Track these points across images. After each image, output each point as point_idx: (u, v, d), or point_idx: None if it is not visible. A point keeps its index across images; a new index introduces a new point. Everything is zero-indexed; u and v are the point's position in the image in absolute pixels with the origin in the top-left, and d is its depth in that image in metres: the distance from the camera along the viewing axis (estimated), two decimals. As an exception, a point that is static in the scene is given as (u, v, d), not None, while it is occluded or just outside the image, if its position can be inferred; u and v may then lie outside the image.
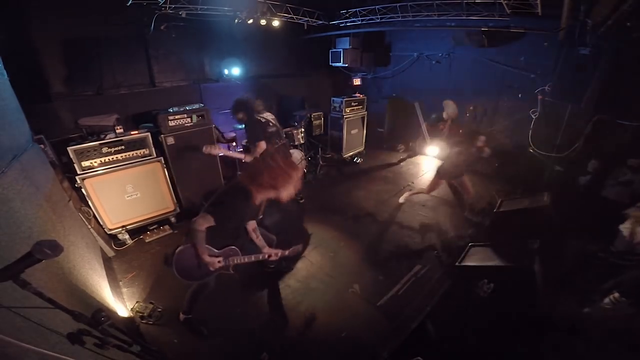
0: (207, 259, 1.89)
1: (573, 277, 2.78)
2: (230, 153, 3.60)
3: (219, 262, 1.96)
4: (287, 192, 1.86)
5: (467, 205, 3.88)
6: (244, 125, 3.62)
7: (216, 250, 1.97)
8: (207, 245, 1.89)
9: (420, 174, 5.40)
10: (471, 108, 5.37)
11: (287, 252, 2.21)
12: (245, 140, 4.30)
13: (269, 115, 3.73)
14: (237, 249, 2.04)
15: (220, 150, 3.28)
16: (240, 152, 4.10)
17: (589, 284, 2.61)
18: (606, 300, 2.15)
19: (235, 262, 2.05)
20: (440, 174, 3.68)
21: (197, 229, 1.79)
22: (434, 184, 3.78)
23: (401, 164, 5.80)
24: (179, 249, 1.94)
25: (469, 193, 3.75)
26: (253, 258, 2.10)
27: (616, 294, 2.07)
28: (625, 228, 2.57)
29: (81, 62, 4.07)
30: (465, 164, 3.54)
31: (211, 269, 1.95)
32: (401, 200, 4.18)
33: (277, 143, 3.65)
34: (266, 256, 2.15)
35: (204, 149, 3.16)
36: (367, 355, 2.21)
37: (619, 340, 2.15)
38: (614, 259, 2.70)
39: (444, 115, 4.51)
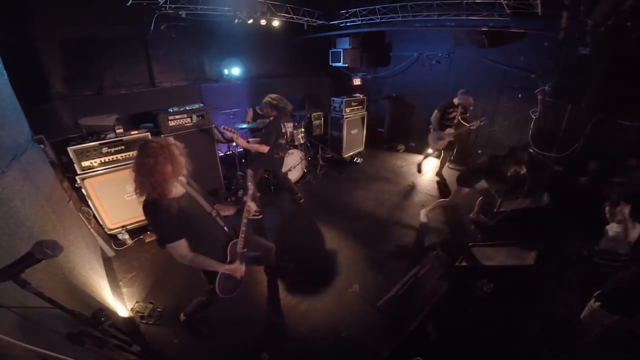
0: (230, 267, 1.85)
1: (566, 276, 2.77)
2: (242, 141, 3.65)
3: (239, 263, 1.91)
4: (167, 171, 1.48)
5: (480, 207, 3.78)
6: (266, 121, 3.80)
7: (228, 257, 1.89)
8: (216, 261, 1.81)
9: (420, 173, 5.39)
10: (471, 108, 5.37)
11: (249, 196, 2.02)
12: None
13: (289, 127, 3.79)
14: (234, 239, 1.94)
15: (234, 135, 3.40)
16: (255, 140, 4.11)
17: (580, 284, 2.59)
18: (586, 309, 2.09)
19: (242, 245, 1.94)
20: (460, 182, 3.45)
21: (193, 260, 1.68)
22: (456, 194, 3.52)
23: (402, 164, 5.79)
24: (217, 284, 1.88)
25: (490, 195, 3.58)
26: (243, 228, 1.94)
27: (592, 302, 2.01)
28: (611, 229, 2.52)
29: (81, 62, 4.07)
30: (484, 169, 3.36)
31: (239, 275, 1.91)
32: (422, 219, 3.82)
33: (277, 154, 3.66)
34: (245, 217, 1.97)
35: (221, 127, 3.33)
36: (367, 355, 2.22)
37: (618, 340, 2.15)
38: (596, 258, 2.68)
39: (455, 100, 4.35)
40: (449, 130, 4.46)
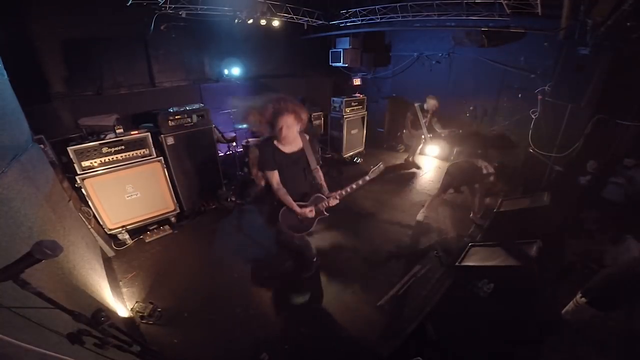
0: (299, 210, 2.16)
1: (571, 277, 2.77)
2: None
3: (310, 211, 2.19)
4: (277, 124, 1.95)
5: (473, 207, 3.83)
6: None
7: (304, 202, 2.22)
8: (296, 202, 2.17)
9: (420, 173, 5.40)
10: (471, 108, 5.38)
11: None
12: None
13: None
14: (322, 195, 2.25)
15: None
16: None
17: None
18: (570, 304, 2.12)
19: (325, 205, 2.24)
20: (448, 175, 3.62)
21: (276, 187, 2.09)
22: (443, 186, 3.70)
23: (402, 164, 5.80)
24: (281, 212, 2.22)
25: (473, 204, 3.72)
26: (338, 196, 2.24)
27: (579, 297, 2.04)
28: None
29: (81, 62, 4.07)
30: (472, 172, 3.46)
31: (309, 216, 2.19)
32: (420, 218, 3.84)
33: None
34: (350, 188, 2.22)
35: None
36: (367, 355, 2.21)
37: (619, 340, 2.15)
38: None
39: (425, 106, 5.07)
40: (420, 132, 5.27)
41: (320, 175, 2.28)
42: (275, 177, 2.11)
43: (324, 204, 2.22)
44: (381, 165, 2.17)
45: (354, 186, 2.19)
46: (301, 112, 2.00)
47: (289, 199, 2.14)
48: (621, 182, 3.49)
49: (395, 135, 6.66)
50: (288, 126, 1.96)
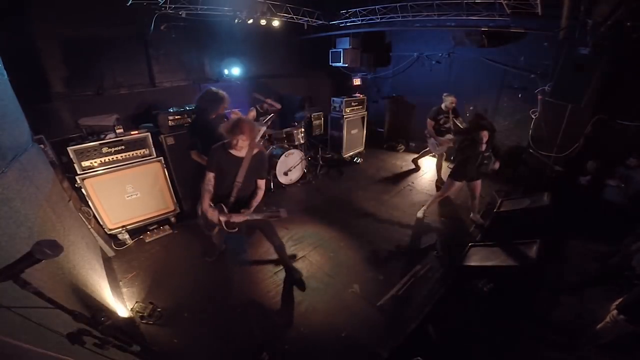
0: (205, 206, 2.20)
1: (588, 285, 2.71)
2: None
3: (212, 213, 2.18)
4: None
5: (472, 208, 3.83)
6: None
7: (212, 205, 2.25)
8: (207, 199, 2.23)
9: (420, 174, 5.40)
10: (471, 108, 5.38)
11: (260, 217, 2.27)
12: None
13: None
14: (223, 205, 2.24)
15: None
16: None
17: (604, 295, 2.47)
18: (607, 319, 2.05)
19: (225, 217, 2.20)
20: (452, 176, 3.58)
21: (205, 182, 2.24)
22: (448, 187, 3.66)
23: (402, 164, 5.80)
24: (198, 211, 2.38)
25: (474, 198, 3.70)
26: (243, 215, 2.21)
27: (614, 312, 1.98)
28: None
29: (81, 62, 4.06)
30: (471, 165, 3.43)
31: (208, 216, 2.19)
32: (420, 215, 3.88)
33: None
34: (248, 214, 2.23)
35: None
36: (367, 355, 2.21)
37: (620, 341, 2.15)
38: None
39: (443, 107, 4.42)
40: (449, 136, 4.47)
41: (257, 191, 2.36)
42: (209, 177, 2.27)
43: (223, 214, 2.21)
44: (283, 214, 2.16)
45: (260, 215, 2.26)
46: (253, 134, 2.19)
47: (206, 194, 2.25)
48: (621, 183, 3.50)
49: (395, 136, 6.66)
50: (241, 141, 2.14)
